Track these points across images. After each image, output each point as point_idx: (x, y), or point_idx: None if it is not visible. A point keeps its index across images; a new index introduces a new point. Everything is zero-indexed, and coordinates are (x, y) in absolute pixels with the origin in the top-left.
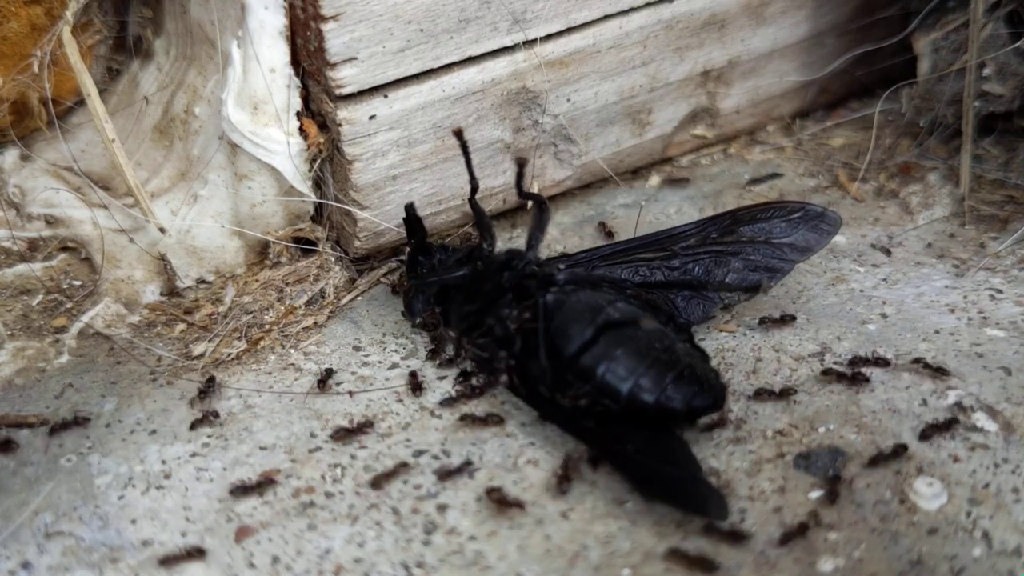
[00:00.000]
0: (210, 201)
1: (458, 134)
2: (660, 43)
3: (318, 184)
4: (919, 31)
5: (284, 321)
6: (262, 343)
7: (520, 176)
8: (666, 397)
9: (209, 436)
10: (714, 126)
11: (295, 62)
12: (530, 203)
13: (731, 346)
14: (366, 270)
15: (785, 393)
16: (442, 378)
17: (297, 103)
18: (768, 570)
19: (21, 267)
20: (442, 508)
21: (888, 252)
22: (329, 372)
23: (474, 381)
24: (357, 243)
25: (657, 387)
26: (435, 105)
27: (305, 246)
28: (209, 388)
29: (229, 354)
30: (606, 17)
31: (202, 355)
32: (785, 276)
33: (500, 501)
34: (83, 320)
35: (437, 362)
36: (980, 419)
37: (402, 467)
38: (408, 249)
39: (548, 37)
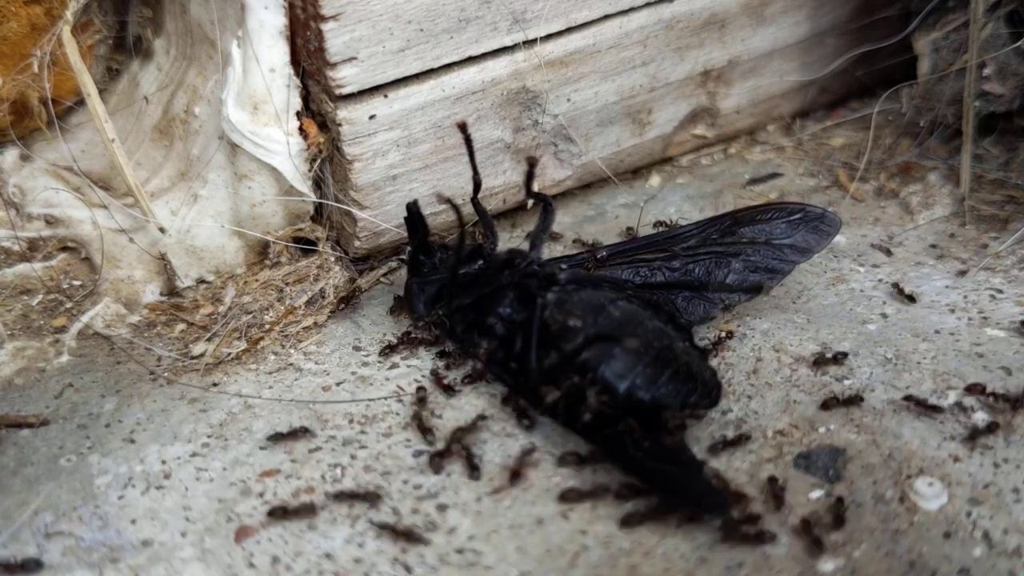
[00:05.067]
0: (210, 201)
1: (462, 127)
2: (660, 43)
3: (318, 184)
4: (919, 31)
5: (284, 321)
6: (262, 343)
7: (530, 176)
8: (661, 394)
9: (209, 436)
10: (714, 126)
11: (295, 62)
12: (531, 202)
13: (731, 346)
14: (366, 270)
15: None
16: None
17: (297, 103)
18: (768, 570)
19: (21, 267)
20: (442, 508)
21: (888, 252)
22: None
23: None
24: (357, 243)
25: (652, 385)
26: (435, 105)
27: (305, 246)
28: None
29: (229, 354)
30: (606, 17)
31: (202, 355)
32: (785, 277)
33: None
34: (83, 320)
35: (391, 361)
36: (980, 419)
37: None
38: (409, 248)
39: (548, 37)
